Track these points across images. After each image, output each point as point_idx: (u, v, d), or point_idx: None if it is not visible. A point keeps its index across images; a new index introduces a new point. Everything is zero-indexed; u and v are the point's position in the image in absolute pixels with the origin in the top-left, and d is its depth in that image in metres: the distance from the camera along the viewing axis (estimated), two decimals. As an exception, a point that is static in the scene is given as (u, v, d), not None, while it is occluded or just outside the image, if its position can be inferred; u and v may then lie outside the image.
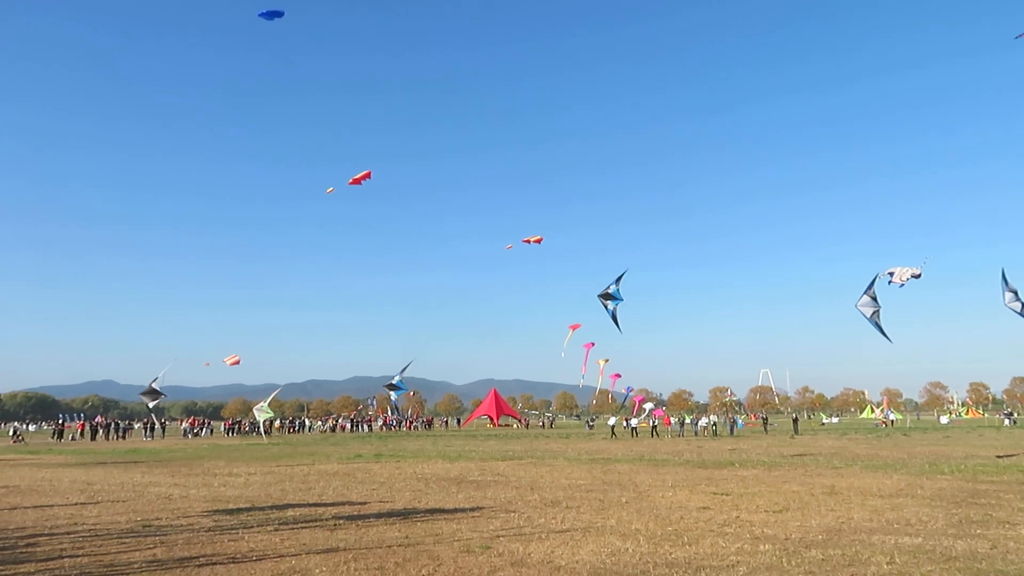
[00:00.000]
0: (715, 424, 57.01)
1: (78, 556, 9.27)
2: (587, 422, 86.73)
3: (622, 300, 33.37)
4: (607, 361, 66.46)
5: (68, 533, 11.12)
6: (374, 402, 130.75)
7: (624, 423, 58.07)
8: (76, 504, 14.75)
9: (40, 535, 10.98)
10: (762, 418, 63.92)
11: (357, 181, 32.62)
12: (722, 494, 15.15)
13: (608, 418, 63.72)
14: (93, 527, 11.67)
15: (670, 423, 56.05)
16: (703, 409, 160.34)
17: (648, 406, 77.84)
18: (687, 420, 58.74)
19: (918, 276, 25.46)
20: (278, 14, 19.56)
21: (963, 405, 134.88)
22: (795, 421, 57.40)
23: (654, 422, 56.42)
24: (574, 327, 58.13)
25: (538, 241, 41.74)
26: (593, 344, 60.78)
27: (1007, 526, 11.01)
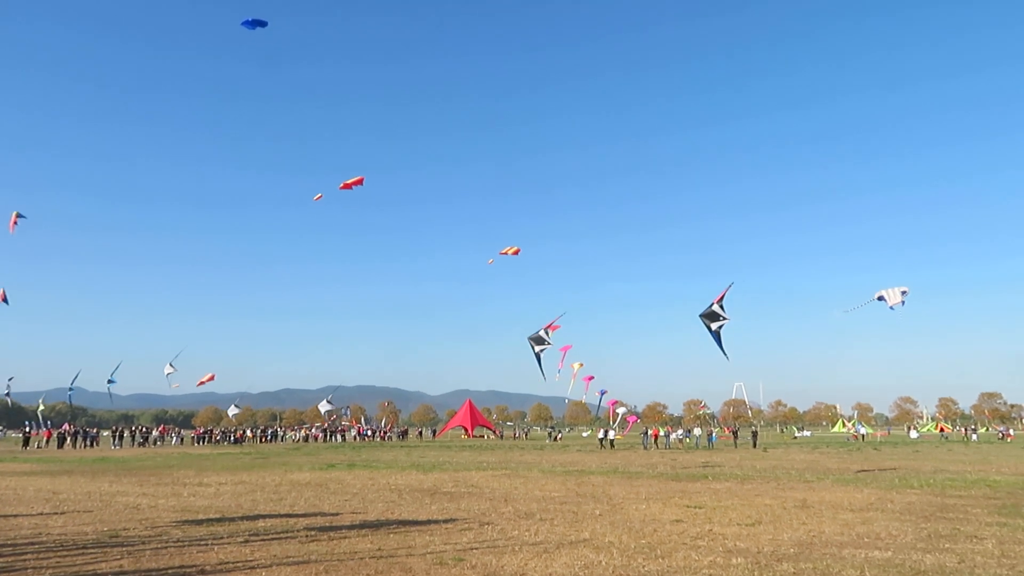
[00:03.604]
0: (690, 437, 57.32)
1: (42, 568, 9.07)
2: (550, 433, 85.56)
3: None
4: (581, 365, 66.53)
5: (32, 544, 10.89)
6: (348, 412, 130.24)
7: (600, 434, 58.20)
8: (41, 514, 14.46)
9: (3, 546, 10.73)
10: (733, 431, 64.18)
11: (348, 186, 32.82)
12: (695, 507, 15.21)
13: (583, 430, 63.82)
14: (59, 538, 11.44)
15: (658, 435, 56.22)
16: (677, 421, 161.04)
17: (621, 411, 78.01)
18: (661, 432, 58.99)
19: (906, 292, 26.07)
20: (261, 23, 19.51)
21: (932, 420, 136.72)
22: (754, 435, 57.64)
23: (646, 431, 56.55)
24: (552, 328, 58.27)
25: (515, 252, 41.77)
26: (570, 346, 60.97)
27: (974, 540, 11.16)
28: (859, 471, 26.59)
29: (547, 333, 36.00)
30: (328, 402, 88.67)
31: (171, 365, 64.95)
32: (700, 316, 28.92)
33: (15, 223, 37.91)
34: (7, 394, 75.11)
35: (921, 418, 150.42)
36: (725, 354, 29.37)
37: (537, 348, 35.66)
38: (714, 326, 28.68)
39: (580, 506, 15.48)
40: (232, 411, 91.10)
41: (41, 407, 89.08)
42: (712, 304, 28.18)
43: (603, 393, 75.57)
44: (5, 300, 41.66)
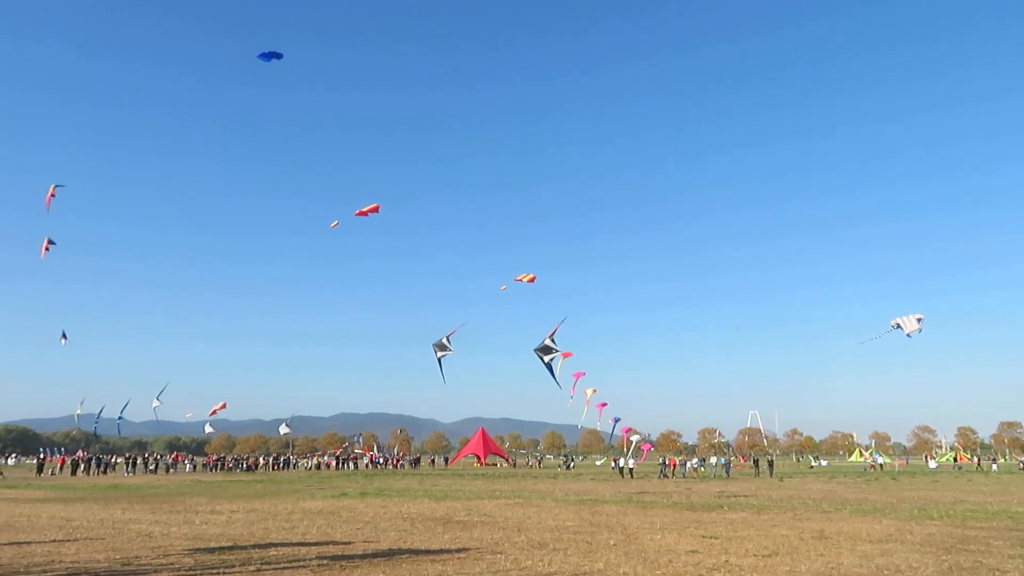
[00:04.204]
0: (704, 466, 56.62)
1: (54, 595, 9.06)
2: (565, 461, 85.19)
3: None
4: (594, 391, 66.04)
5: (45, 571, 10.89)
6: (360, 439, 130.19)
7: (613, 463, 57.62)
8: (54, 541, 14.46)
9: (16, 573, 10.74)
10: (754, 460, 63.32)
11: (363, 213, 33.23)
12: (711, 537, 15.02)
13: (596, 458, 63.38)
14: (71, 565, 11.43)
15: (676, 464, 55.66)
16: (691, 450, 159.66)
17: (635, 438, 77.30)
18: (679, 461, 58.37)
19: (922, 320, 26.16)
20: (277, 56, 19.90)
21: (951, 449, 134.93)
22: (771, 464, 56.89)
23: (664, 460, 56.02)
24: (565, 355, 58.01)
25: (531, 280, 41.81)
26: (583, 373, 60.62)
27: (997, 573, 10.94)
28: (634, 493, 26.24)
29: (448, 340, 40.12)
30: (287, 426, 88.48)
31: (158, 399, 66.44)
32: (534, 351, 32.40)
33: (47, 248, 40.55)
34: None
35: (940, 447, 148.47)
36: (558, 384, 33.28)
37: (439, 354, 39.77)
38: (547, 358, 34.07)
39: (594, 536, 15.32)
40: (208, 430, 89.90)
41: (78, 411, 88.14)
42: (545, 339, 31.54)
43: (616, 420, 74.94)
44: (52, 243, 41.86)
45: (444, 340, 40.05)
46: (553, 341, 34.27)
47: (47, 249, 41.48)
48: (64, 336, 56.22)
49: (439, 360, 39.58)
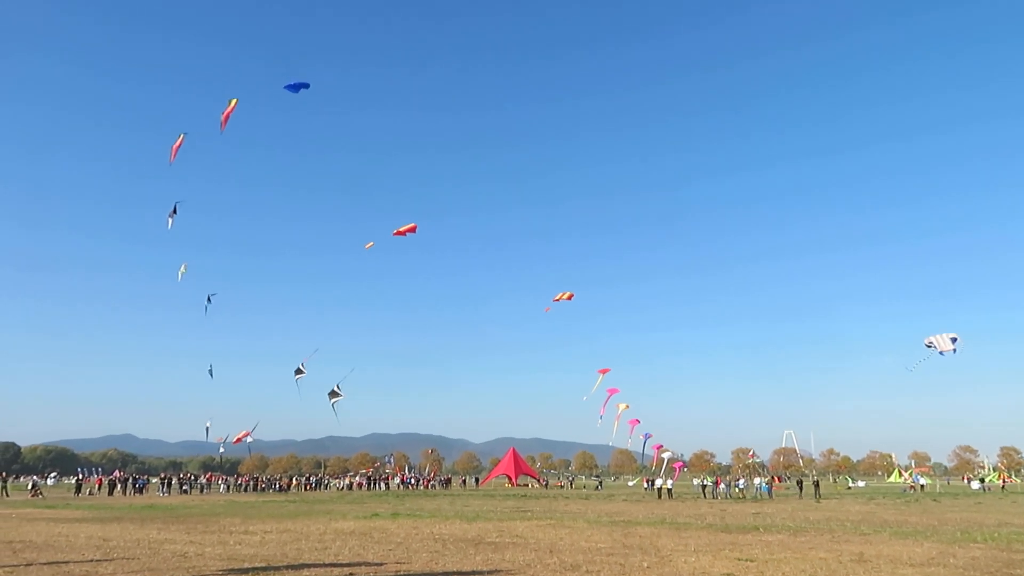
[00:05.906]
0: (740, 487, 55.72)
1: (92, 615, 9.18)
2: (601, 482, 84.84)
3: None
4: (627, 407, 65.52)
5: (83, 591, 11.03)
6: (391, 460, 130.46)
7: (646, 484, 56.98)
8: (91, 561, 14.66)
9: (55, 592, 10.89)
10: (798, 481, 62.06)
11: (401, 233, 33.60)
12: (746, 560, 14.77)
13: (628, 478, 62.76)
14: (108, 585, 11.57)
15: (720, 484, 55.01)
16: (725, 470, 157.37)
17: (667, 456, 76.54)
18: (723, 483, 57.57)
19: (956, 339, 25.92)
20: (304, 86, 20.31)
21: (994, 470, 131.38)
22: (816, 484, 55.85)
23: (704, 482, 55.28)
24: (604, 371, 57.76)
25: (569, 298, 41.99)
26: (617, 390, 60.28)
27: (1045, 599, 10.62)
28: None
29: (303, 365, 45.49)
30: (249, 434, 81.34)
31: (209, 435, 68.40)
32: (328, 394, 42.94)
33: (180, 146, 33.20)
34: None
35: (982, 468, 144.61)
36: (338, 421, 43.53)
37: (297, 375, 44.55)
38: (332, 401, 42.36)
39: (627, 558, 15.15)
40: (221, 450, 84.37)
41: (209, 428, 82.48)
42: (335, 386, 42.75)
43: (647, 437, 74.19)
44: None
45: (300, 366, 45.26)
46: (339, 388, 42.93)
47: (178, 148, 33.47)
48: (174, 211, 48.28)
49: (299, 381, 44.95)
